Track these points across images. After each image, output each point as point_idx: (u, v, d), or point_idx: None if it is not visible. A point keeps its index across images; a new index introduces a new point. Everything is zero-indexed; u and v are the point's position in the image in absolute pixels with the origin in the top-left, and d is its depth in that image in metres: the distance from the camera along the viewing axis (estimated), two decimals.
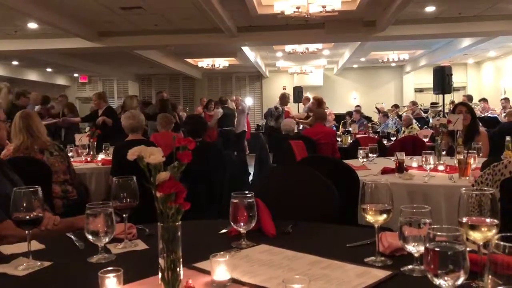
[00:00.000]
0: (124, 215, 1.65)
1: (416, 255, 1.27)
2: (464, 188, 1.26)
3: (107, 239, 1.48)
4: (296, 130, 7.59)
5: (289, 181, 2.33)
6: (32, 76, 16.29)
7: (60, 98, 9.74)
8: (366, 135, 7.82)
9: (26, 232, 1.49)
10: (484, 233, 1.18)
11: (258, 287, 1.23)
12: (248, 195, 1.58)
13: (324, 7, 7.18)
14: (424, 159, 3.22)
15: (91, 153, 4.90)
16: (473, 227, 1.19)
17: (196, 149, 1.16)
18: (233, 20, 9.31)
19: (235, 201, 1.58)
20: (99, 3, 7.87)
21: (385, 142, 6.76)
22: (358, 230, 1.82)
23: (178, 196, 1.09)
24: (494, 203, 1.21)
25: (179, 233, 1.12)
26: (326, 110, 8.46)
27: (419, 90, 18.10)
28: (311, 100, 9.85)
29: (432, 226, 1.05)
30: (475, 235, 1.19)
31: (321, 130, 6.32)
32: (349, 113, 11.95)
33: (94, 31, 9.97)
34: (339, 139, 7.31)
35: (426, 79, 15.80)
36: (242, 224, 1.58)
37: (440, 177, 3.22)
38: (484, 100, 12.99)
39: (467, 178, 3.00)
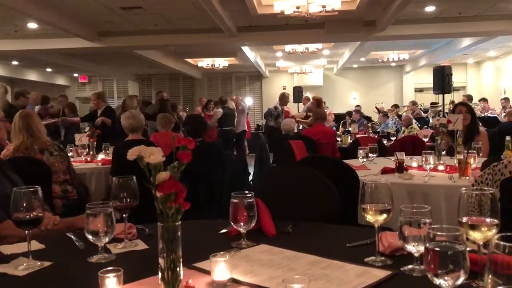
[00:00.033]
0: (124, 215, 1.65)
1: (416, 255, 1.27)
2: (464, 188, 1.26)
3: (107, 239, 1.48)
4: (296, 130, 7.59)
5: (289, 181, 2.33)
6: (32, 76, 16.29)
7: (60, 98, 9.74)
8: (366, 135, 7.82)
9: (26, 232, 1.49)
10: (484, 233, 1.18)
11: (258, 287, 1.23)
12: (248, 195, 1.58)
13: (324, 7, 7.18)
14: (424, 159, 3.22)
15: (91, 153, 4.90)
16: (473, 227, 1.19)
17: (196, 149, 1.16)
18: (233, 20, 9.31)
19: (235, 201, 1.58)
20: (99, 3, 7.87)
21: (385, 142, 6.75)
22: (358, 230, 1.82)
23: (178, 196, 1.09)
24: (494, 203, 1.21)
25: (179, 233, 1.12)
26: (326, 110, 8.46)
27: (419, 90, 18.10)
28: (311, 100, 9.85)
29: (432, 226, 1.05)
30: (475, 235, 1.19)
31: (321, 130, 6.32)
32: (349, 113, 11.95)
33: (94, 31, 9.97)
34: (339, 139, 7.31)
35: (426, 79, 15.81)
36: (242, 224, 1.58)
37: (440, 177, 3.22)
38: (484, 100, 12.99)
39: (467, 178, 3.00)
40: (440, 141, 3.75)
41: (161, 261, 1.11)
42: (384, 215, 1.41)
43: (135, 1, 7.87)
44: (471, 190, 1.26)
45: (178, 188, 1.09)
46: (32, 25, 9.35)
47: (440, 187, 2.93)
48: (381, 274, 1.29)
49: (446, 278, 0.98)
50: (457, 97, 13.63)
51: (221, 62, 15.31)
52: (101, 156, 4.95)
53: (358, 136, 7.33)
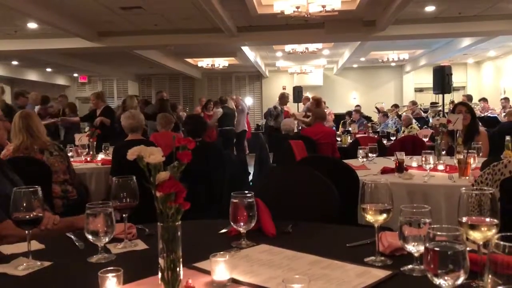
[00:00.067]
0: (124, 215, 1.65)
1: (416, 254, 1.27)
2: (464, 188, 1.26)
3: (107, 239, 1.48)
4: (296, 130, 7.59)
5: (289, 181, 2.33)
6: (32, 76, 16.29)
7: (60, 98, 9.74)
8: (366, 135, 7.81)
9: (26, 232, 1.49)
10: (484, 233, 1.18)
11: (258, 287, 1.23)
12: (248, 195, 1.58)
13: (324, 6, 7.18)
14: (424, 159, 3.22)
15: (91, 153, 4.90)
16: (473, 227, 1.19)
17: (196, 149, 1.16)
18: (233, 20, 9.31)
19: (235, 201, 1.58)
20: (99, 3, 7.87)
21: (385, 142, 6.75)
22: (358, 230, 1.82)
23: (178, 196, 1.09)
24: (494, 203, 1.21)
25: (179, 233, 1.12)
26: (326, 110, 8.47)
27: (419, 90, 18.11)
28: (311, 100, 9.86)
29: (432, 226, 1.05)
30: (475, 235, 1.19)
31: (321, 130, 6.32)
32: (349, 113, 11.95)
33: (94, 31, 9.97)
34: (338, 139, 7.31)
35: (426, 78, 15.81)
36: (242, 224, 1.58)
37: (440, 176, 3.22)
38: (484, 99, 12.99)
39: (467, 177, 3.00)
40: (440, 141, 3.75)
41: (161, 261, 1.11)
42: (384, 215, 1.41)
43: (135, 1, 7.87)
44: (471, 190, 1.26)
45: (178, 188, 1.09)
46: (32, 25, 9.35)
47: (440, 187, 2.93)
48: (381, 274, 1.29)
49: (446, 278, 0.98)
50: (457, 97, 13.63)
51: (221, 62, 15.31)
52: (101, 156, 4.95)
53: (358, 136, 7.33)
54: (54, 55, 12.60)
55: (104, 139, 5.32)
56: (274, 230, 1.72)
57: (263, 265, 1.38)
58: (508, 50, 14.42)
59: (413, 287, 1.25)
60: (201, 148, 4.24)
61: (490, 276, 0.83)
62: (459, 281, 0.99)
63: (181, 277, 1.13)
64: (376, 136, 7.37)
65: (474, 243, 1.20)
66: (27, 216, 1.48)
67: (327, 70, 18.41)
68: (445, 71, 8.70)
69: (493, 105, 12.94)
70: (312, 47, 11.83)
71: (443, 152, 3.83)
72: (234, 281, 1.25)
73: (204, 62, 15.45)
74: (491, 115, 11.43)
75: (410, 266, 1.31)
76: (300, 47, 11.85)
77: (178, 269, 1.12)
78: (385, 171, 3.41)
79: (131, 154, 1.13)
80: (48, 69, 16.73)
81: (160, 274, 1.12)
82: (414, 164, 3.58)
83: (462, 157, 3.10)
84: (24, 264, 1.45)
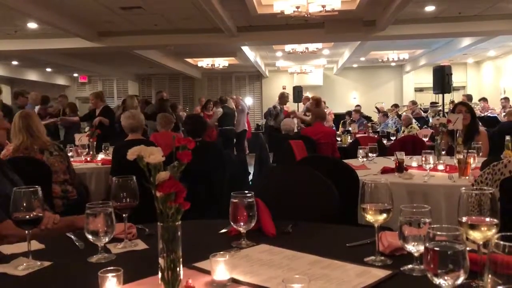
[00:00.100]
0: (124, 215, 1.65)
1: (416, 254, 1.27)
2: (464, 188, 1.26)
3: (107, 239, 1.48)
4: (295, 130, 7.59)
5: (289, 181, 2.33)
6: (32, 76, 16.30)
7: (60, 98, 9.74)
8: (366, 134, 7.82)
9: (26, 232, 1.49)
10: (484, 233, 1.18)
11: (258, 287, 1.23)
12: (248, 195, 1.58)
13: (323, 6, 7.18)
14: (424, 158, 3.22)
15: (91, 153, 4.90)
16: (473, 227, 1.19)
17: (196, 149, 1.16)
18: (233, 20, 9.31)
19: (235, 201, 1.58)
20: (99, 3, 7.87)
21: (385, 141, 6.76)
22: (358, 230, 1.82)
23: (178, 196, 1.09)
24: (494, 203, 1.20)
25: (179, 233, 1.12)
26: (326, 110, 8.47)
27: (419, 90, 18.11)
28: (310, 99, 9.86)
29: (432, 226, 1.05)
30: (475, 235, 1.19)
31: (321, 130, 6.32)
32: (349, 113, 11.96)
33: (94, 31, 9.97)
34: (338, 138, 7.31)
35: (426, 78, 15.81)
36: (242, 224, 1.58)
37: (440, 176, 3.22)
38: (483, 99, 12.99)
39: (467, 177, 3.00)
40: (440, 141, 3.76)
41: (161, 261, 1.11)
42: (384, 215, 1.41)
43: (135, 1, 7.88)
44: (470, 189, 1.26)
45: (178, 188, 1.09)
46: (32, 25, 9.35)
47: (440, 187, 2.93)
48: (381, 273, 1.29)
49: (446, 277, 0.98)
50: (457, 96, 13.63)
51: (221, 62, 15.31)
52: (101, 156, 4.95)
53: (358, 135, 7.34)
54: (54, 55, 12.60)
55: (104, 139, 5.32)
56: (274, 230, 1.72)
57: (263, 265, 1.38)
58: (508, 50, 14.42)
59: (413, 287, 1.25)
60: (201, 148, 4.24)
61: (490, 276, 0.83)
62: (459, 281, 0.98)
63: (181, 277, 1.13)
64: (376, 136, 7.38)
65: (474, 243, 1.20)
66: (27, 216, 1.48)
67: (327, 70, 18.41)
68: (445, 71, 8.71)
69: (493, 105, 12.95)
70: (312, 47, 11.83)
71: (443, 152, 3.83)
72: (234, 281, 1.25)
73: (204, 62, 15.45)
74: (491, 115, 11.43)
75: (410, 266, 1.31)
76: (300, 47, 11.85)
77: (178, 269, 1.12)
78: (385, 171, 3.41)
79: (131, 154, 1.13)
80: (48, 69, 16.74)
81: (160, 274, 1.12)
82: (414, 164, 3.57)
83: (462, 157, 3.10)
84: (24, 264, 1.44)
